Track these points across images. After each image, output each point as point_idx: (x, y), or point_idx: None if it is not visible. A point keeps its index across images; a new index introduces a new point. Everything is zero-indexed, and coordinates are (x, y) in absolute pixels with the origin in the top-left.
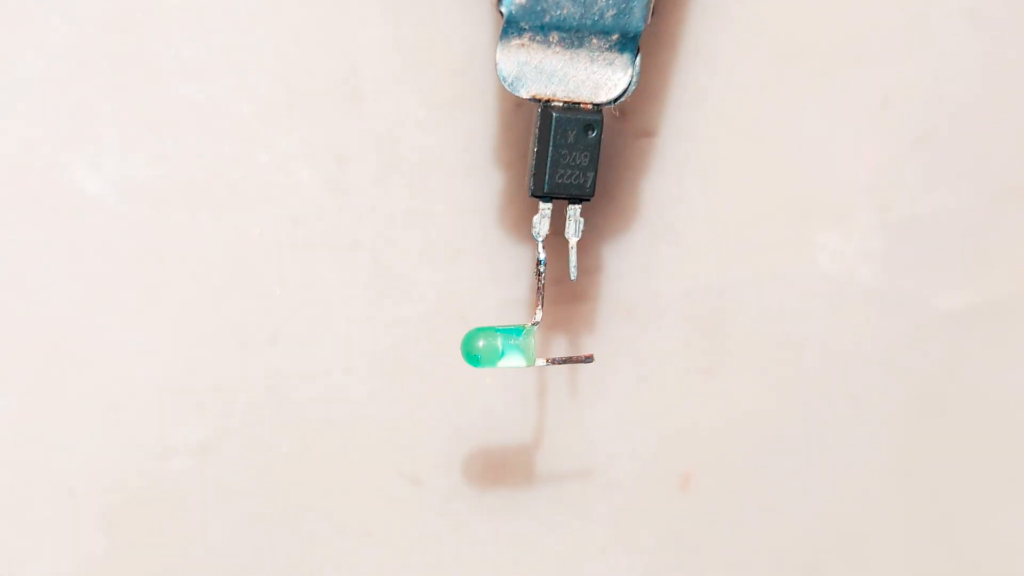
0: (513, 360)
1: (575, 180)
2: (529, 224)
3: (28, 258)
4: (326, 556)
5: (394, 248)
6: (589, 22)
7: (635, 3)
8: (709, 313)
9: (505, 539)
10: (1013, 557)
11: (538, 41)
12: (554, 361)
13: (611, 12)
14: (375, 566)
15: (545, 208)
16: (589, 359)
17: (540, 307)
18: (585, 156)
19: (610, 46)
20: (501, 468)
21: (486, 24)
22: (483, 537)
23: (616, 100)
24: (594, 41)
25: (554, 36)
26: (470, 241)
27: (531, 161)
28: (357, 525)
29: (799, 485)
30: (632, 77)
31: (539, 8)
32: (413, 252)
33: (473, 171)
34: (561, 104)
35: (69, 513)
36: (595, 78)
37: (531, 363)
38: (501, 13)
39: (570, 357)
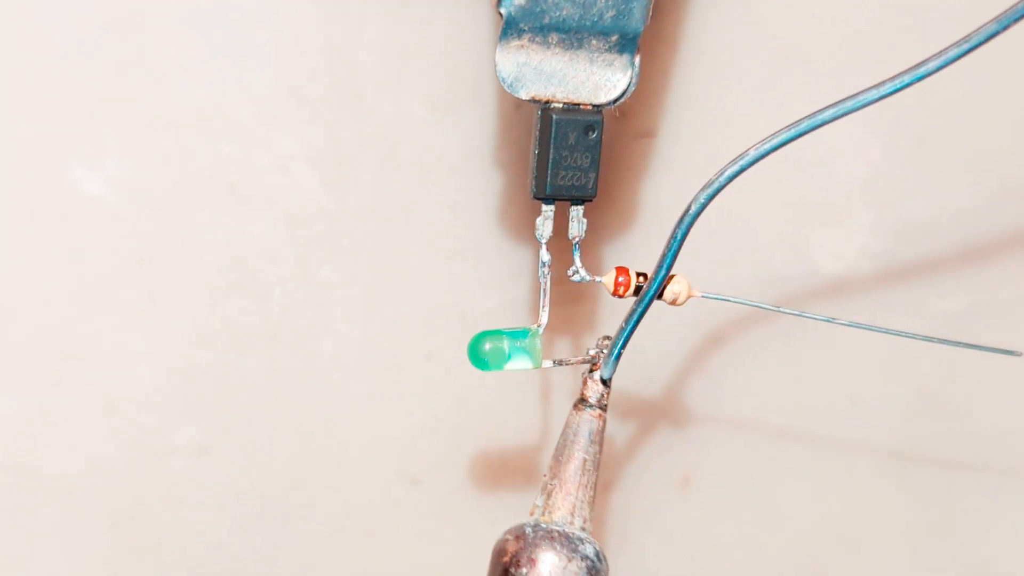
0: (520, 363)
1: (577, 181)
2: (529, 224)
3: (28, 258)
4: (326, 556)
5: (394, 248)
6: (588, 23)
7: (634, 4)
8: (709, 314)
9: None
10: (1013, 557)
11: (537, 42)
12: (561, 363)
13: (610, 13)
14: (375, 566)
15: (548, 210)
16: (595, 359)
17: (545, 309)
18: (586, 157)
19: (609, 47)
20: (501, 468)
21: (486, 25)
22: (483, 537)
23: (616, 101)
24: (593, 42)
25: (553, 37)
26: (470, 241)
27: (532, 163)
28: (357, 525)
29: (799, 485)
30: (632, 78)
31: (538, 9)
32: (413, 252)
33: (473, 171)
34: (561, 105)
35: (69, 513)
36: (595, 79)
37: (537, 365)
38: (500, 14)
39: (576, 358)
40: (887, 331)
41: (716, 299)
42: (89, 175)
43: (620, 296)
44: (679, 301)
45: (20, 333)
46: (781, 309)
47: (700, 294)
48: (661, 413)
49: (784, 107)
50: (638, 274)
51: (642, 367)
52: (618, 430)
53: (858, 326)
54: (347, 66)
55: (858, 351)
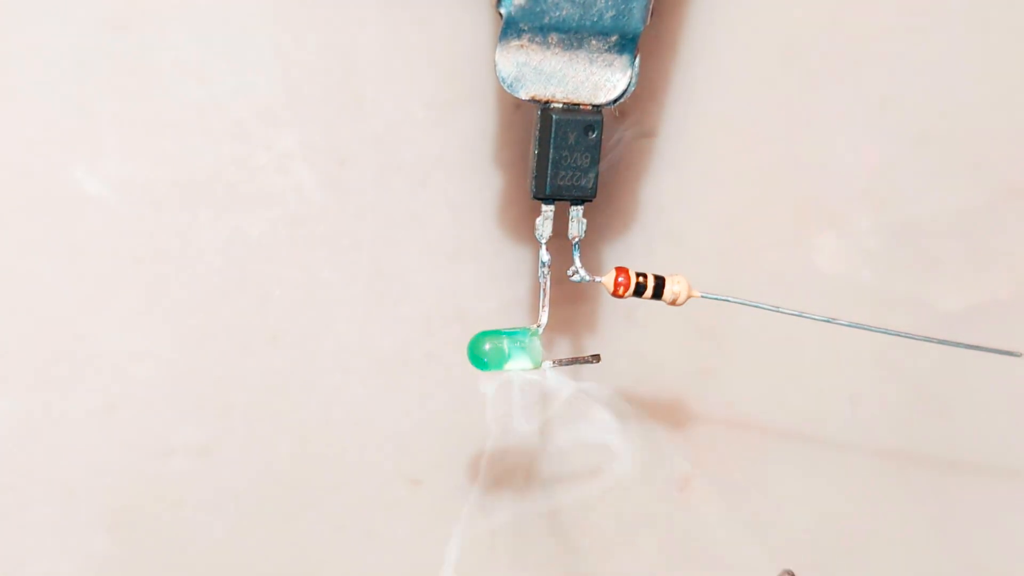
0: (519, 363)
1: (577, 181)
2: (529, 224)
3: (28, 258)
4: (326, 556)
5: (394, 248)
6: (588, 23)
7: (634, 4)
8: (709, 314)
9: (505, 539)
10: (1013, 557)
11: (537, 42)
12: (560, 362)
13: (610, 13)
14: (375, 566)
15: (548, 210)
16: (596, 359)
17: (545, 309)
18: (586, 157)
19: (609, 47)
20: (501, 468)
21: (486, 25)
22: (483, 537)
23: (615, 101)
24: (593, 42)
25: (553, 37)
26: (470, 241)
27: (532, 164)
28: (357, 525)
29: (799, 485)
30: (631, 78)
31: (538, 9)
32: (413, 252)
33: (473, 171)
34: (560, 105)
35: (69, 513)
36: (594, 79)
37: (537, 365)
38: (500, 14)
39: (576, 358)
40: (887, 331)
41: (716, 299)
42: (89, 175)
43: (620, 296)
44: (679, 301)
45: (20, 333)
46: (780, 309)
47: (700, 294)
48: (661, 413)
49: (784, 107)
50: (638, 274)
51: (642, 367)
52: (618, 430)
53: (858, 326)
54: (347, 66)
55: (858, 351)
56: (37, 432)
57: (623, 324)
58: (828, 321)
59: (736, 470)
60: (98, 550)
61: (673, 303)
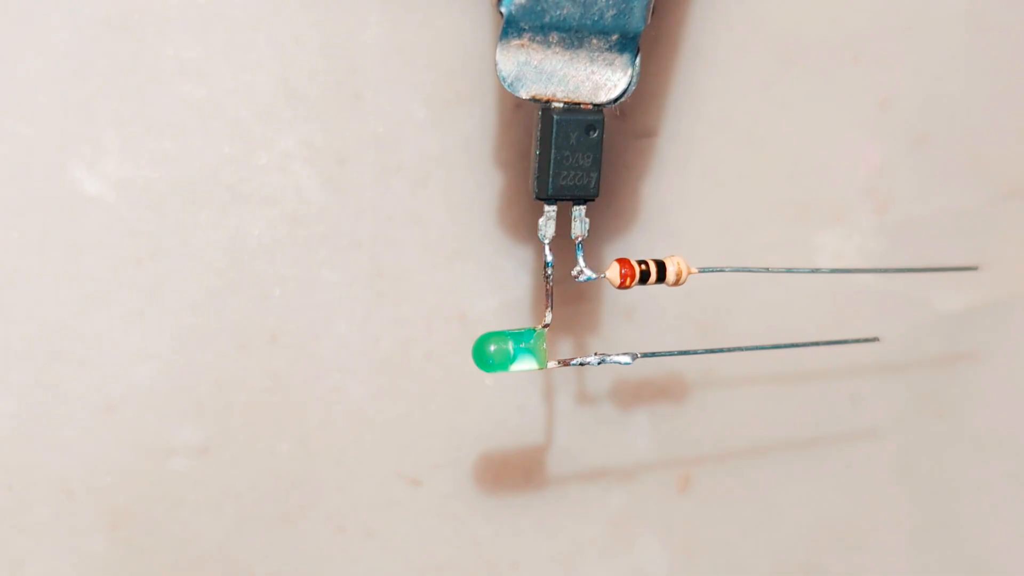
0: (525, 364)
1: (579, 181)
2: (529, 224)
3: (28, 258)
4: (326, 556)
5: (394, 248)
6: (589, 22)
7: (635, 3)
8: (709, 313)
9: (505, 540)
10: (1014, 557)
11: (538, 41)
12: (565, 363)
13: (611, 12)
14: (375, 566)
15: (550, 210)
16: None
17: (549, 309)
18: (588, 157)
19: (610, 46)
20: (501, 468)
21: (486, 24)
22: (483, 537)
23: (616, 100)
24: (594, 41)
25: (554, 36)
26: (470, 241)
27: (534, 164)
28: (357, 525)
29: (799, 485)
30: (632, 77)
31: (539, 8)
32: (413, 252)
33: (473, 171)
34: (561, 105)
35: (69, 513)
36: (595, 78)
37: (543, 366)
38: (501, 13)
39: (581, 358)
40: (861, 270)
41: (712, 271)
42: (89, 175)
43: (626, 287)
44: (681, 280)
45: (19, 333)
46: (770, 269)
47: (697, 269)
48: (661, 413)
49: (784, 107)
50: (639, 262)
51: (642, 366)
52: (618, 430)
53: (840, 271)
54: (347, 66)
55: (858, 350)
56: (37, 432)
57: (623, 323)
58: (813, 272)
59: (736, 470)
60: (98, 550)
61: (676, 283)
